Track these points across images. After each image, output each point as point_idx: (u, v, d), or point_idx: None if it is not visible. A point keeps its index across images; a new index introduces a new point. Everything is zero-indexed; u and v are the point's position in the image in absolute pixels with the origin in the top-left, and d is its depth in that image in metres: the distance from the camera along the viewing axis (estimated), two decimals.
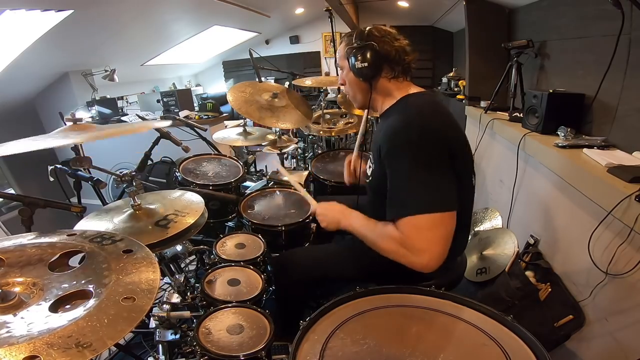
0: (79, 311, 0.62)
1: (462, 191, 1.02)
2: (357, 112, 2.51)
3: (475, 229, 2.41)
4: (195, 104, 4.24)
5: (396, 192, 0.98)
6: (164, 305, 1.12)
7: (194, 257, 1.77)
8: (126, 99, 4.45)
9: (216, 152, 2.18)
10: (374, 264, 1.17)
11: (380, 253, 1.01)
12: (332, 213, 1.17)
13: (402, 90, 1.15)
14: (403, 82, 1.15)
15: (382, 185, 1.05)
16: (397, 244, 0.95)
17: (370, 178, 1.19)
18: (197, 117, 3.59)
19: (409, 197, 0.95)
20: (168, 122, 1.35)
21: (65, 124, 1.19)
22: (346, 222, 1.13)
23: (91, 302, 0.65)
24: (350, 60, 1.13)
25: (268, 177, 1.95)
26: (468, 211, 1.17)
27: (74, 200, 1.54)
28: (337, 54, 1.25)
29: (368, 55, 1.09)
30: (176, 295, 1.22)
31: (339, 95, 2.66)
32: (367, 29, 1.12)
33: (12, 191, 3.76)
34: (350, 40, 1.14)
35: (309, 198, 1.35)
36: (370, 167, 1.20)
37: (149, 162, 1.75)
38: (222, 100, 4.35)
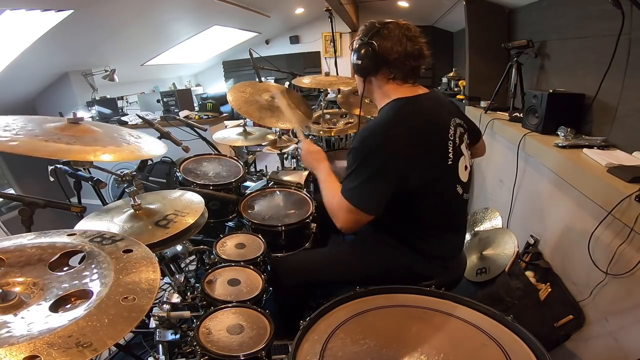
0: (79, 311, 0.62)
1: (439, 201, 1.13)
2: (357, 111, 2.51)
3: (475, 229, 2.41)
4: (195, 104, 4.25)
5: (347, 173, 1.12)
6: (164, 305, 1.12)
7: (194, 257, 1.77)
8: (126, 99, 4.45)
9: (216, 152, 2.18)
10: (370, 268, 1.18)
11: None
12: (311, 156, 1.33)
13: (399, 91, 1.14)
14: (403, 84, 1.14)
15: None
16: (332, 206, 1.14)
17: None
18: (197, 117, 3.59)
19: (348, 183, 1.10)
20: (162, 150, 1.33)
21: None
22: (317, 168, 1.29)
23: (91, 302, 0.65)
24: (351, 54, 1.18)
25: (268, 177, 1.94)
26: (455, 217, 1.23)
27: (74, 200, 1.54)
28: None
29: (363, 53, 1.11)
30: (176, 295, 1.21)
31: (339, 95, 2.66)
32: (382, 23, 1.11)
33: (12, 191, 3.76)
34: (360, 32, 1.16)
35: (302, 135, 1.55)
36: None
37: (149, 162, 1.75)
38: (222, 100, 4.36)
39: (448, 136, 1.12)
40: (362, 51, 1.11)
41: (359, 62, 1.13)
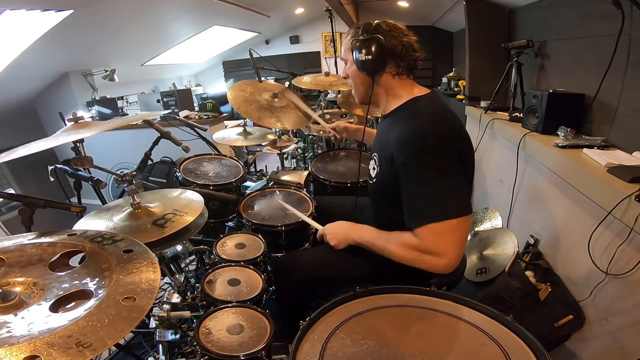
0: (79, 311, 0.62)
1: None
2: (358, 112, 2.51)
3: (475, 229, 2.41)
4: (195, 104, 4.25)
5: (414, 200, 1.00)
6: (164, 305, 1.12)
7: (194, 257, 1.77)
8: (126, 99, 4.44)
9: (216, 152, 2.18)
10: (372, 265, 1.18)
11: (395, 260, 1.04)
12: (342, 230, 1.20)
13: (407, 89, 1.13)
14: (406, 80, 1.14)
15: (387, 190, 1.08)
16: (417, 251, 0.99)
17: (374, 180, 1.18)
18: (197, 117, 3.59)
19: (428, 206, 0.97)
20: (164, 112, 1.35)
21: (66, 124, 1.19)
22: (357, 236, 1.16)
23: (91, 302, 0.65)
24: (354, 53, 1.12)
25: (268, 177, 1.95)
26: None
27: (74, 200, 1.54)
28: (342, 47, 1.24)
29: (373, 49, 1.08)
30: (176, 295, 1.22)
31: (339, 95, 2.66)
32: (375, 22, 1.11)
33: (12, 191, 3.76)
34: (356, 32, 1.13)
35: (315, 224, 1.36)
36: (374, 169, 1.18)
37: (149, 162, 1.75)
38: (222, 100, 4.36)
39: (467, 131, 1.13)
40: (370, 48, 1.07)
41: (369, 57, 1.08)
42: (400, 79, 1.13)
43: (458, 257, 0.97)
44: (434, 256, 0.96)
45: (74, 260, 0.81)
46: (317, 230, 1.32)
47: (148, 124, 1.74)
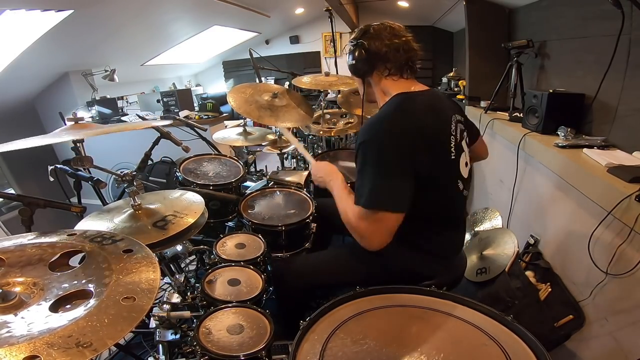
0: (79, 311, 0.62)
1: (441, 196, 1.12)
2: (358, 111, 2.51)
3: (475, 229, 2.41)
4: (195, 104, 4.24)
5: (357, 181, 1.08)
6: (164, 305, 1.12)
7: (194, 257, 1.77)
8: (126, 99, 4.45)
9: (216, 152, 2.18)
10: (370, 268, 1.18)
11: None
12: (323, 173, 1.31)
13: (397, 87, 1.16)
14: (399, 79, 1.17)
15: None
16: (350, 224, 1.08)
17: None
18: (197, 117, 3.59)
19: (360, 189, 1.04)
20: (168, 122, 1.36)
21: (66, 124, 1.19)
22: (329, 185, 1.27)
23: (91, 302, 0.65)
24: (348, 57, 1.21)
25: (268, 177, 1.94)
26: (456, 213, 1.23)
27: (74, 200, 1.54)
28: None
29: (356, 53, 1.15)
30: (176, 295, 1.21)
31: (339, 95, 2.66)
32: (368, 26, 1.16)
33: (12, 191, 3.76)
34: (351, 37, 1.20)
35: (309, 156, 1.53)
36: None
37: (149, 162, 1.75)
38: (222, 100, 4.35)
39: (450, 131, 1.13)
40: (355, 52, 1.16)
41: (354, 62, 1.17)
42: (393, 79, 1.16)
43: (378, 245, 1.05)
44: (358, 235, 1.06)
45: (74, 260, 0.80)
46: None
47: (158, 130, 1.73)
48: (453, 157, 1.12)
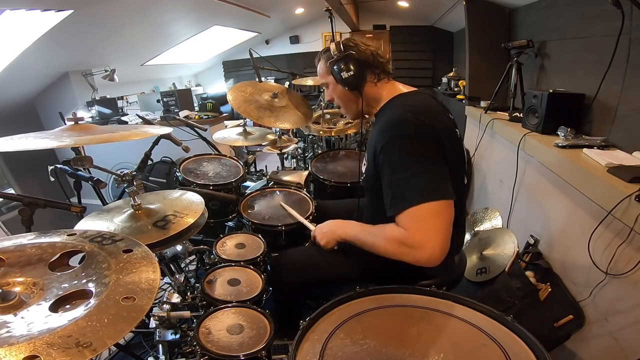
0: (79, 311, 0.62)
1: (454, 187, 1.03)
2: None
3: (475, 229, 2.41)
4: (195, 104, 4.24)
5: (393, 187, 0.98)
6: (164, 305, 1.12)
7: (194, 257, 1.77)
8: (126, 99, 4.45)
9: (216, 152, 2.18)
10: (371, 264, 1.18)
11: (381, 255, 1.02)
12: (327, 228, 1.21)
13: (389, 90, 1.17)
14: (388, 82, 1.18)
15: (374, 182, 1.08)
16: (398, 243, 0.96)
17: (364, 176, 1.21)
18: (197, 117, 3.59)
19: (406, 190, 0.94)
20: (169, 129, 1.35)
21: (66, 124, 1.19)
22: (342, 232, 1.17)
23: (91, 302, 0.65)
24: (334, 74, 1.16)
25: (268, 177, 1.94)
26: (461, 210, 1.18)
27: (74, 200, 1.54)
28: (318, 72, 1.28)
29: (351, 65, 1.13)
30: (176, 295, 1.21)
31: None
32: (339, 41, 1.16)
33: (12, 191, 3.76)
34: (328, 55, 1.17)
35: (308, 224, 1.42)
36: (364, 165, 1.22)
37: (149, 162, 1.75)
38: (222, 100, 4.35)
39: (454, 123, 1.14)
40: (348, 63, 1.12)
41: (350, 73, 1.13)
42: (383, 84, 1.18)
43: (442, 247, 0.92)
44: (415, 247, 0.92)
45: (74, 260, 0.81)
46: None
47: (148, 124, 1.73)
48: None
